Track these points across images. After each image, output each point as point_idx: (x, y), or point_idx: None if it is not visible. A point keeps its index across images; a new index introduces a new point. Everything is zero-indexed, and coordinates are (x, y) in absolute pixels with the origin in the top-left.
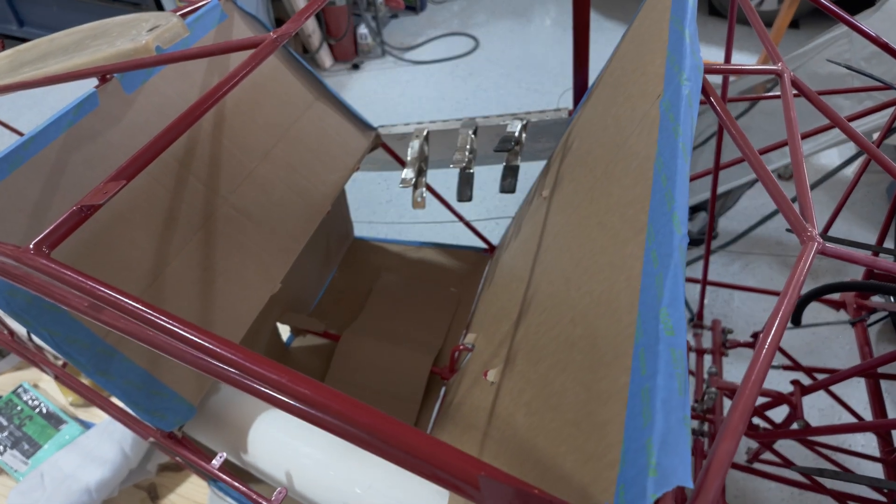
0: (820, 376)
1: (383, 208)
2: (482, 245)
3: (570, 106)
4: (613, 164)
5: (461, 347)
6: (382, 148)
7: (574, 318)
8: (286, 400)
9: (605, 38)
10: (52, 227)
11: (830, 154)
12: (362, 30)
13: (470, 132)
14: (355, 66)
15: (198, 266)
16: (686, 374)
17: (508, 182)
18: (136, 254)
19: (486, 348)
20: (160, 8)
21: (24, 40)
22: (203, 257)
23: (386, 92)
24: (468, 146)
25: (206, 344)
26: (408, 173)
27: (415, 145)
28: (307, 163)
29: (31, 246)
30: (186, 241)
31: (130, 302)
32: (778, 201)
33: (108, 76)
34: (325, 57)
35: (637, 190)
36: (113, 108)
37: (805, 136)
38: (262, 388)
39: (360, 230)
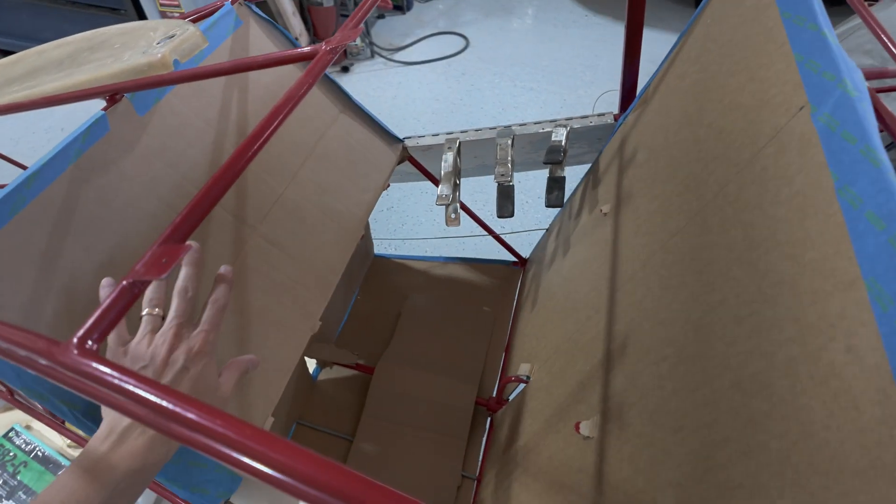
0: None
1: (384, 216)
2: (510, 258)
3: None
4: (738, 186)
5: (513, 378)
6: (409, 161)
7: (738, 382)
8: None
9: (595, 34)
10: (98, 314)
11: None
12: None
13: (508, 142)
14: (345, 69)
15: (231, 309)
16: None
17: (556, 195)
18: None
19: (556, 386)
20: (140, 13)
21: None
22: (236, 298)
23: (378, 94)
24: (510, 158)
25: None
26: (444, 190)
27: (448, 159)
28: (337, 183)
29: (75, 341)
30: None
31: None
32: None
33: (117, 96)
34: None
35: (810, 226)
36: (125, 133)
37: None
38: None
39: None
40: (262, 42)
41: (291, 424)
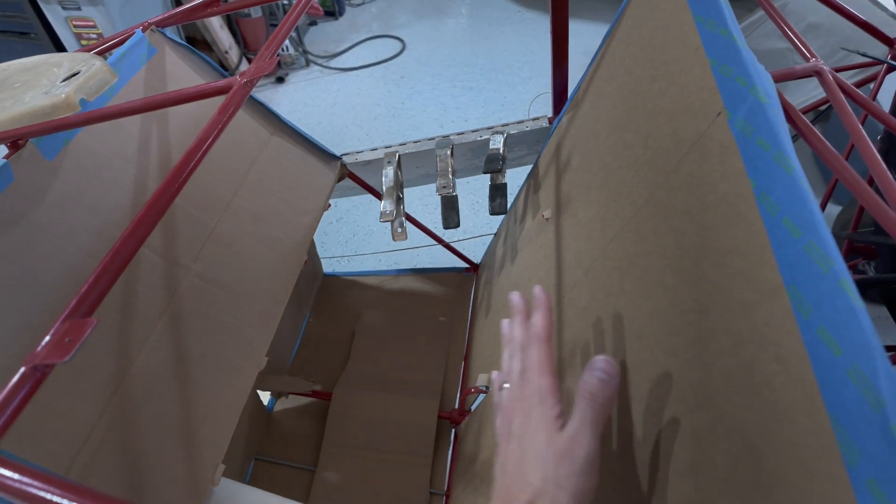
0: None
1: (334, 228)
2: (462, 264)
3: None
4: (667, 192)
5: (472, 390)
6: (349, 178)
7: (682, 396)
8: None
9: (528, 29)
10: None
11: None
12: None
13: (448, 153)
14: (280, 80)
15: (168, 358)
16: None
17: (498, 203)
18: (92, 359)
19: None
20: (53, 37)
21: None
22: (173, 346)
23: (317, 104)
24: (450, 169)
25: None
26: (387, 206)
27: (389, 173)
28: (274, 209)
29: None
30: (149, 330)
31: None
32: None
33: (20, 142)
34: None
35: (735, 234)
36: (33, 181)
37: None
38: None
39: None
40: (179, 70)
41: (249, 462)
